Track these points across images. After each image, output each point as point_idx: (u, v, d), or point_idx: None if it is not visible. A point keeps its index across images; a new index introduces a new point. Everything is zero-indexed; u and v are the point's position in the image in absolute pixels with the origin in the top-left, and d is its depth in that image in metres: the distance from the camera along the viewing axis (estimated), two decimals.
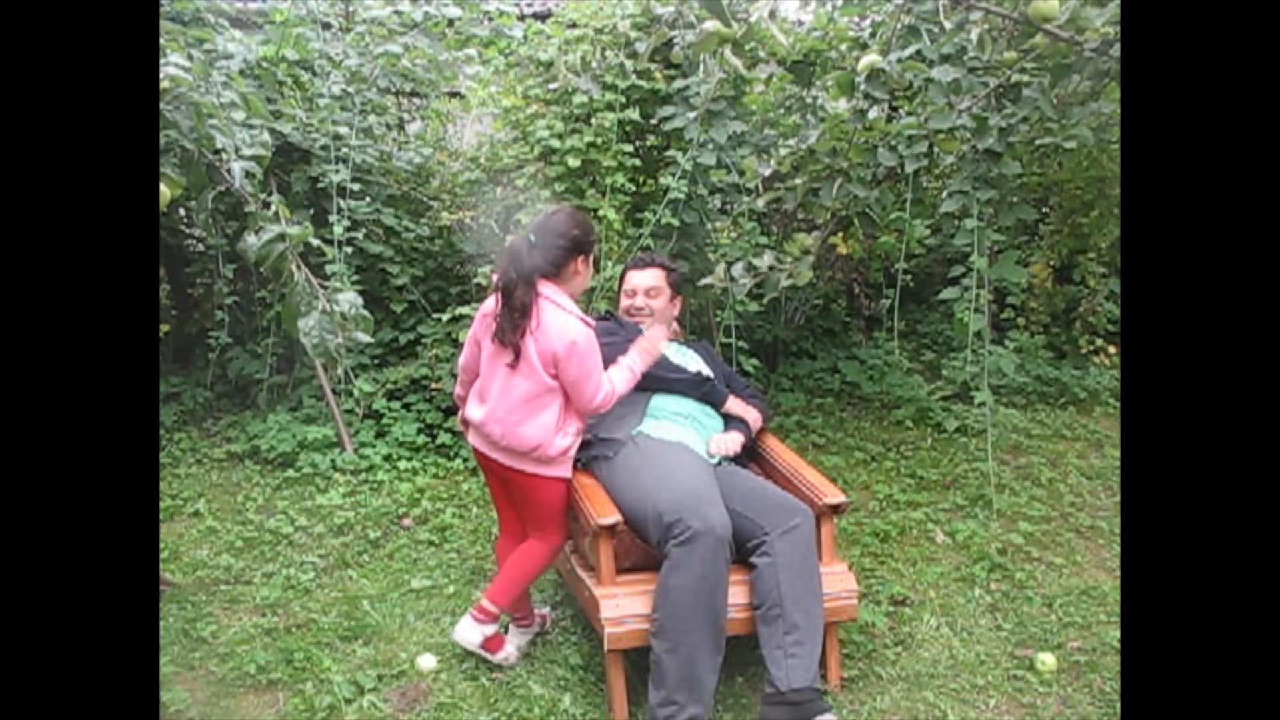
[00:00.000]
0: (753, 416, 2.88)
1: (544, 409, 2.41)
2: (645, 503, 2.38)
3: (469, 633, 2.51)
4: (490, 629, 2.52)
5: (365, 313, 2.68)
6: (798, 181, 3.55)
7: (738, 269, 3.56)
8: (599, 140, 3.85)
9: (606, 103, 3.81)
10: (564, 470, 2.49)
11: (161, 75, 2.40)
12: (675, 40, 3.82)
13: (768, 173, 3.76)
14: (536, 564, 2.53)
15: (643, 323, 2.93)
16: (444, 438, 4.09)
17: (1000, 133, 3.08)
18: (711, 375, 2.89)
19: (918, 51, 3.20)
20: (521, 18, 4.64)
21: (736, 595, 2.38)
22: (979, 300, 3.24)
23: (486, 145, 4.62)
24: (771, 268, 3.51)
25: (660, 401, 2.75)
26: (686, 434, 2.69)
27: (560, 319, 2.38)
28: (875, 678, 2.57)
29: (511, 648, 2.57)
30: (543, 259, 2.41)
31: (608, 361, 2.53)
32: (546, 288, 2.42)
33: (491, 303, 2.46)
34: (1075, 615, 2.87)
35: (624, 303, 2.98)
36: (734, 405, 2.86)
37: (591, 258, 2.54)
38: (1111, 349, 5.17)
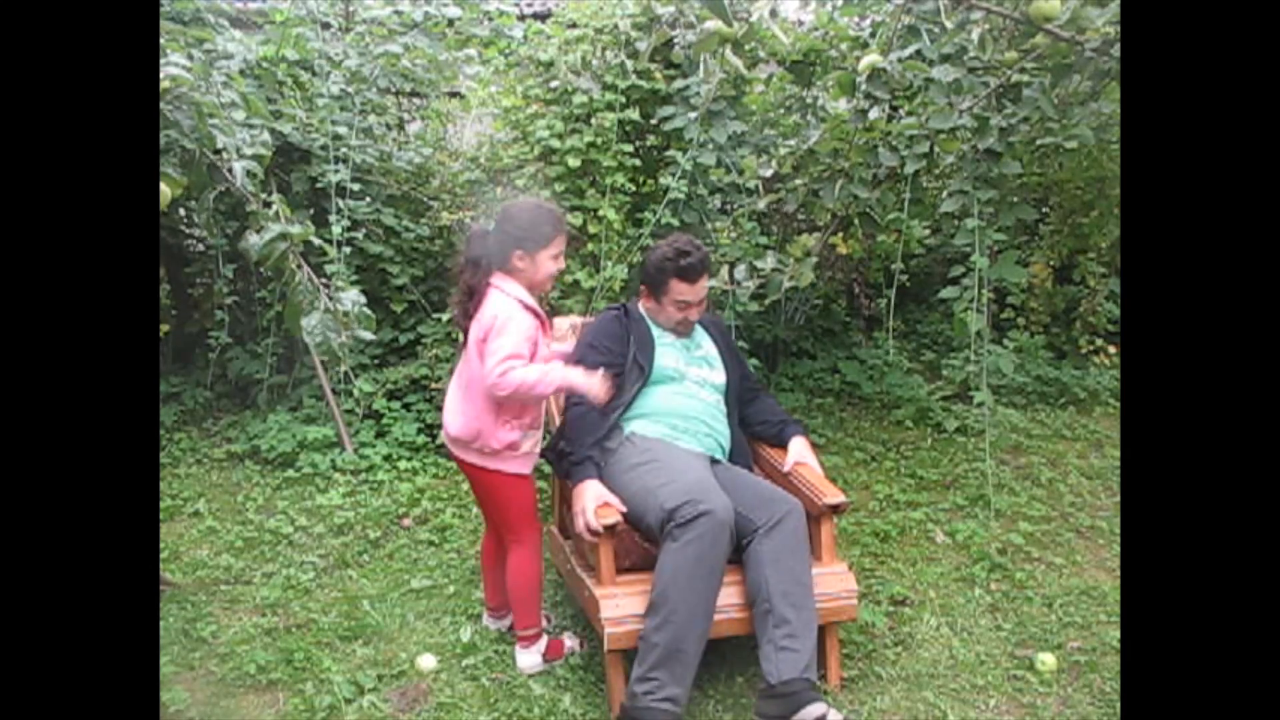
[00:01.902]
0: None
1: (480, 395, 2.40)
2: (648, 498, 2.38)
3: (526, 660, 2.56)
4: (541, 645, 2.57)
5: (368, 310, 2.69)
6: (798, 183, 3.55)
7: (740, 271, 3.55)
8: (599, 140, 3.85)
9: (606, 103, 3.81)
10: (517, 466, 2.46)
11: (162, 75, 2.40)
12: (675, 40, 3.82)
13: (768, 174, 3.76)
14: (528, 572, 2.53)
15: (687, 337, 2.83)
16: (444, 437, 4.08)
17: (1001, 133, 3.08)
18: (725, 376, 2.82)
19: (918, 51, 3.20)
20: (521, 18, 4.64)
21: (732, 595, 2.38)
22: (979, 300, 3.24)
23: (486, 145, 4.62)
24: (774, 270, 3.51)
25: (663, 402, 2.71)
26: (683, 440, 2.67)
27: (497, 300, 2.39)
28: (875, 678, 2.57)
29: (536, 657, 2.57)
30: (491, 246, 2.42)
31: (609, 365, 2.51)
32: (497, 277, 2.42)
33: None
34: (1075, 615, 2.87)
35: (676, 315, 2.76)
36: (796, 447, 2.78)
37: (544, 254, 2.42)
38: (1111, 349, 5.16)
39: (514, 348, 2.33)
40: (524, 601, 2.54)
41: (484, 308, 2.39)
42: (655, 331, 2.79)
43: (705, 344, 2.87)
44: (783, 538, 2.38)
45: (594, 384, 2.45)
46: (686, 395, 2.72)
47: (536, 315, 2.43)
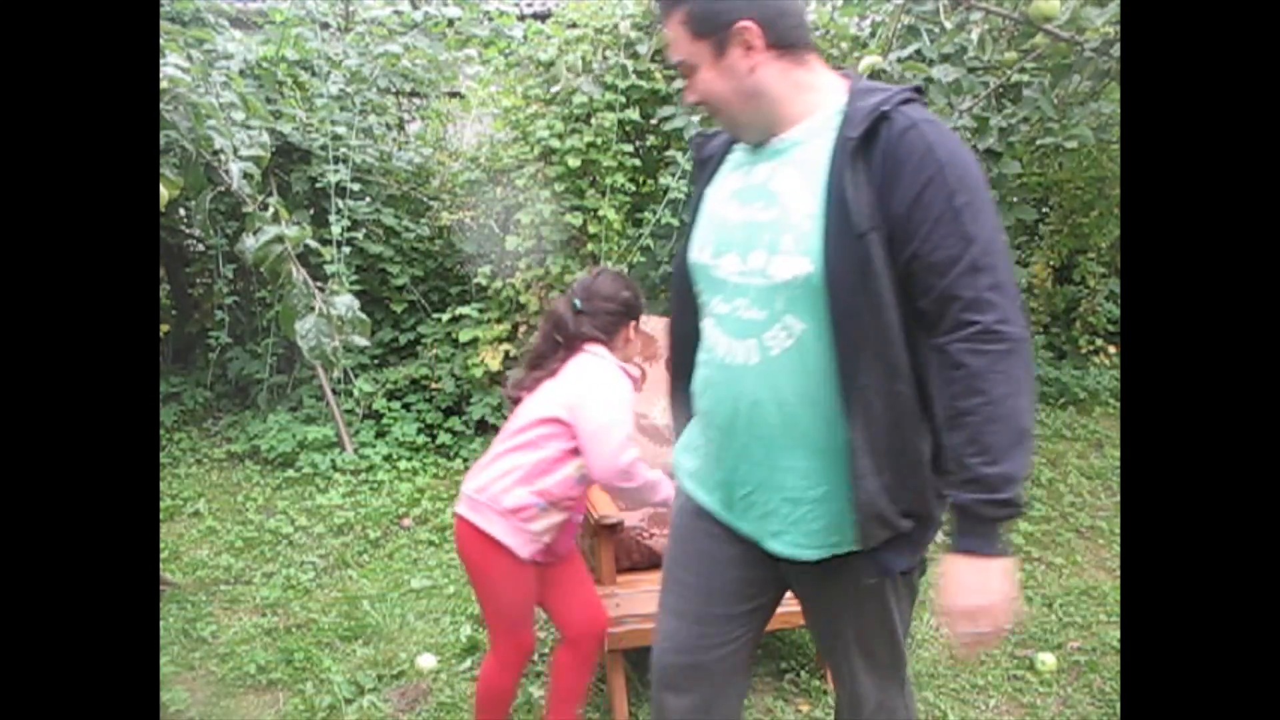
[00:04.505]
0: None
1: (527, 460, 2.05)
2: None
3: None
4: None
5: (362, 315, 2.68)
6: None
7: None
8: (599, 140, 3.85)
9: (606, 103, 3.81)
10: (517, 542, 1.98)
11: (161, 75, 2.40)
12: None
13: None
14: (488, 682, 2.09)
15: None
16: (444, 438, 4.08)
17: (1001, 133, 3.08)
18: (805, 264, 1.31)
19: (918, 51, 3.20)
20: (521, 18, 4.64)
21: None
22: None
23: (486, 145, 4.62)
24: None
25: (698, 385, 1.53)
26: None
27: (595, 366, 2.05)
28: None
29: None
30: (592, 325, 2.08)
31: None
32: (592, 347, 2.08)
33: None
34: (1075, 615, 2.87)
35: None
36: None
37: (635, 325, 2.16)
38: (1111, 349, 5.17)
39: (628, 425, 1.98)
40: (482, 713, 2.11)
41: (578, 372, 2.03)
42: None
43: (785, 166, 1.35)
44: None
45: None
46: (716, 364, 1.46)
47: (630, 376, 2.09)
